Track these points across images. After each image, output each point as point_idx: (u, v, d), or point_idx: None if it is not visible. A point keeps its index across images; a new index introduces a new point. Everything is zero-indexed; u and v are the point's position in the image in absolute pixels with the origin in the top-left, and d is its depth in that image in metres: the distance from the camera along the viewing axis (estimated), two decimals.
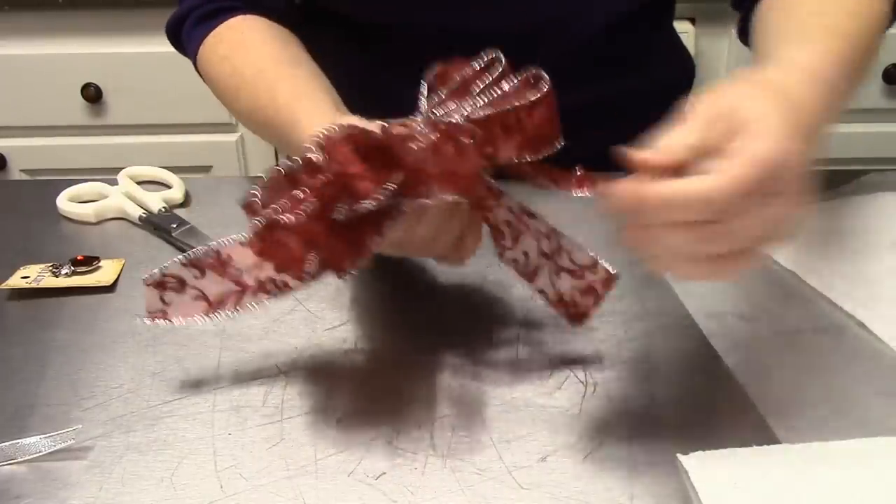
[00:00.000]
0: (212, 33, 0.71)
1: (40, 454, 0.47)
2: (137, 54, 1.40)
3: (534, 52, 0.52)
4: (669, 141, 0.43)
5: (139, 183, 0.78)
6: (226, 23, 0.71)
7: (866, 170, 0.76)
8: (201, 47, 0.72)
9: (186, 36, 0.73)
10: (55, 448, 0.47)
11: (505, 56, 0.51)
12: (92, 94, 1.42)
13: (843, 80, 0.53)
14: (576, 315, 0.55)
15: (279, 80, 0.64)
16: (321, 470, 0.46)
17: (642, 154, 0.43)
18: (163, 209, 0.73)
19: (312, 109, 0.59)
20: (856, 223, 0.68)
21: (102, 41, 1.41)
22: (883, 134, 1.45)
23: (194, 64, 0.74)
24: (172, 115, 1.44)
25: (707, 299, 0.60)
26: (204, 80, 0.74)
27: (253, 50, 0.69)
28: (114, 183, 0.77)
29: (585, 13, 0.75)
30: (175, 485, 0.46)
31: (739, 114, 0.44)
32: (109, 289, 0.63)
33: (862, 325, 0.57)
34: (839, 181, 0.75)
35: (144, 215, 0.72)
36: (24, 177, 1.49)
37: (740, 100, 0.45)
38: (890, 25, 0.69)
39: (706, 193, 0.41)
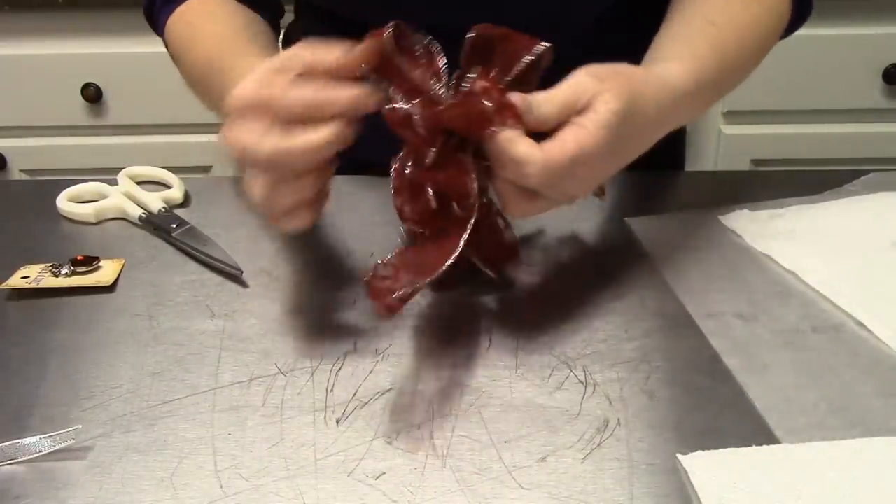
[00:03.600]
0: (182, 5, 0.74)
1: (40, 454, 0.47)
2: (137, 54, 1.40)
3: None
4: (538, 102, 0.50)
5: (139, 183, 0.78)
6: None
7: (866, 170, 0.76)
8: (170, 17, 0.74)
9: (158, 11, 0.76)
10: (55, 448, 0.47)
11: None
12: (92, 94, 1.42)
13: (700, 96, 0.61)
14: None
15: (236, 40, 0.68)
16: (321, 470, 0.46)
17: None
18: (163, 209, 0.72)
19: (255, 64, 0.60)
20: (856, 223, 0.68)
21: (102, 41, 1.41)
22: (883, 134, 1.45)
23: (163, 37, 0.77)
24: (172, 115, 1.44)
25: (707, 299, 0.60)
26: (168, 49, 0.77)
27: (219, 18, 0.72)
28: (114, 183, 0.77)
29: (576, 7, 0.75)
30: (175, 485, 0.46)
31: (590, 97, 0.51)
32: (109, 289, 0.63)
33: (861, 324, 0.57)
34: (839, 181, 0.75)
35: (144, 215, 0.72)
36: (24, 177, 1.49)
37: (600, 86, 0.51)
38: (793, 26, 0.72)
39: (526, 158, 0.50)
